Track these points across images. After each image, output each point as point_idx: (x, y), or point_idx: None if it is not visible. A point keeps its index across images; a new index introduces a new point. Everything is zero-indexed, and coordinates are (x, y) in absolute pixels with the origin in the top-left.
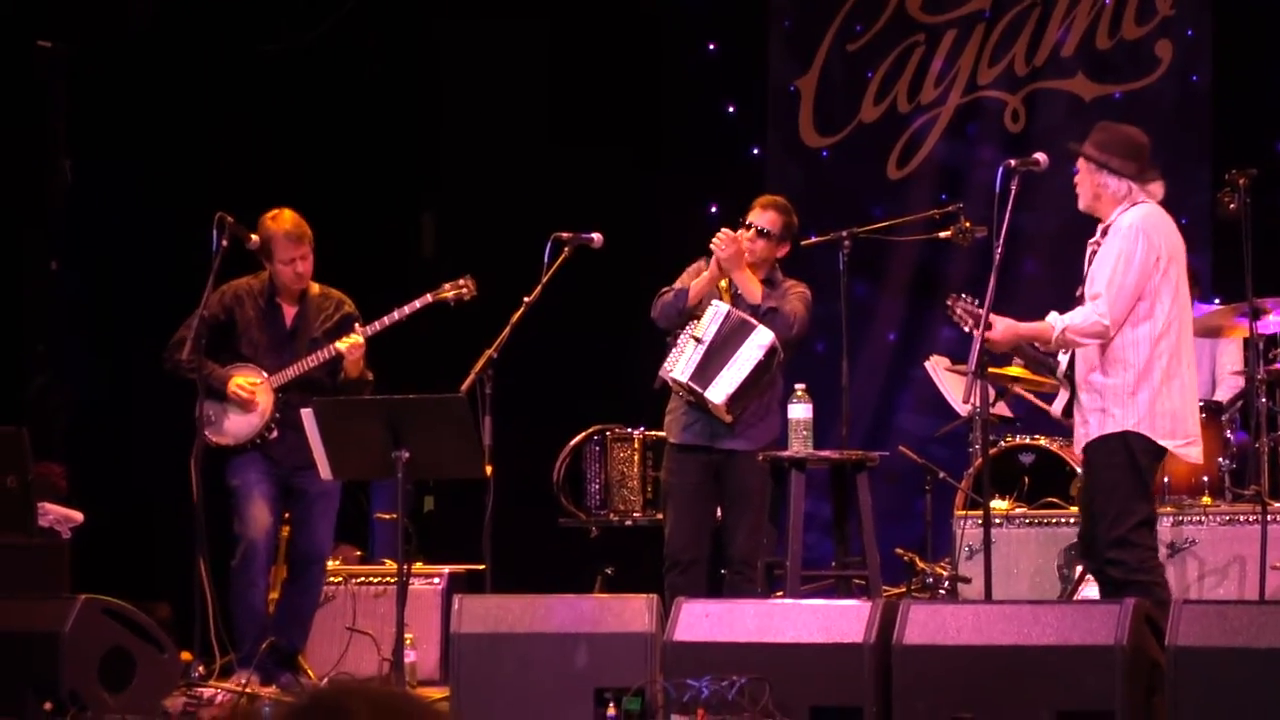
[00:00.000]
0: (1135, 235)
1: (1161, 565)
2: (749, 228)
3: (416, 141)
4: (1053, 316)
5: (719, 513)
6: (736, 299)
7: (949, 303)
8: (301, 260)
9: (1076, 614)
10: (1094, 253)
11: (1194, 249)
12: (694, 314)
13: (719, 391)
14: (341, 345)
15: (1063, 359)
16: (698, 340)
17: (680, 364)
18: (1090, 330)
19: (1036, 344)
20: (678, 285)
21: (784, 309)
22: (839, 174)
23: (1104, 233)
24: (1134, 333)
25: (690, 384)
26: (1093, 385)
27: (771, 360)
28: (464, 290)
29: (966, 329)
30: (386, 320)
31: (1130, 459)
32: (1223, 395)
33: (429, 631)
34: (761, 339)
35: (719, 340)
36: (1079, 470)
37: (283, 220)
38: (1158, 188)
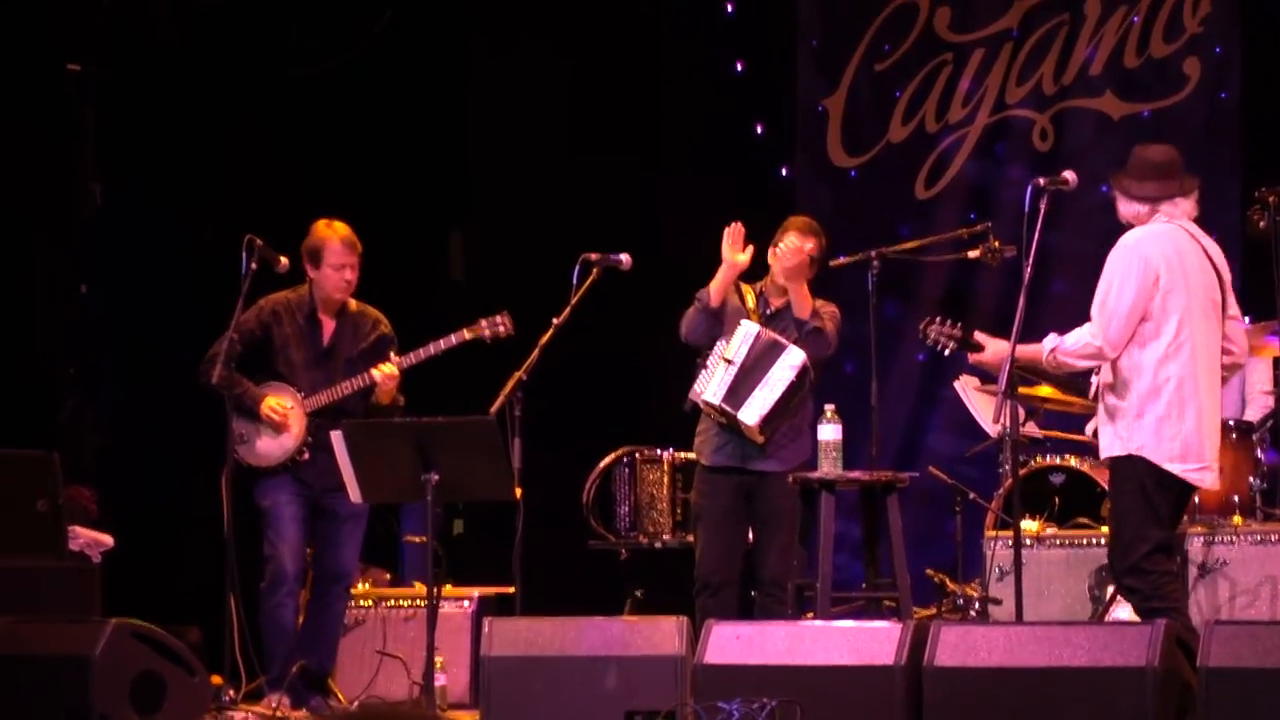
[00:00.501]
0: (1129, 255)
1: (1179, 589)
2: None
3: (445, 163)
4: (1051, 338)
5: (750, 535)
6: (769, 319)
7: (922, 326)
8: (351, 269)
9: (1108, 635)
10: None
11: None
12: (722, 333)
13: (752, 413)
14: (377, 374)
15: (1095, 380)
16: (728, 362)
17: (711, 386)
18: (1080, 352)
19: (1030, 365)
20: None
21: (826, 330)
22: (867, 194)
23: None
24: (1140, 354)
25: (722, 405)
26: (1106, 405)
27: (803, 380)
28: (500, 328)
29: (946, 352)
30: (422, 353)
31: (1139, 483)
32: (1253, 415)
33: (459, 655)
34: (793, 359)
35: (750, 361)
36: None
37: (338, 227)
38: (1188, 204)
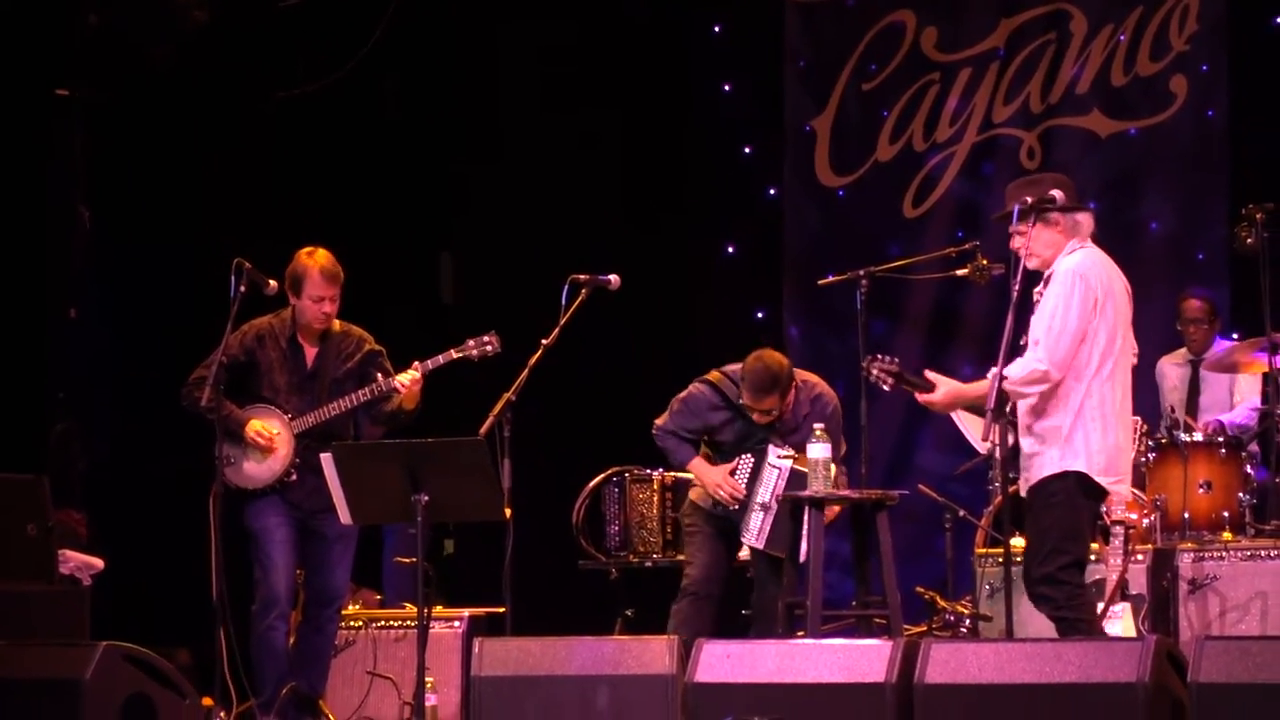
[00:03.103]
0: (1073, 280)
1: (1091, 602)
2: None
3: (434, 185)
4: (993, 372)
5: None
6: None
7: (864, 365)
8: (330, 301)
9: (1099, 651)
10: (1038, 301)
11: (1212, 283)
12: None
13: (799, 551)
14: (403, 380)
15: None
16: (764, 507)
17: (751, 530)
18: (1029, 378)
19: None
20: (675, 428)
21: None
22: (855, 213)
23: (1046, 281)
24: (1071, 376)
25: (768, 551)
26: (1035, 429)
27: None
28: (489, 347)
29: (886, 388)
30: (442, 359)
31: (1069, 498)
32: (1238, 416)
33: (450, 675)
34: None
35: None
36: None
37: (319, 257)
38: (1086, 218)
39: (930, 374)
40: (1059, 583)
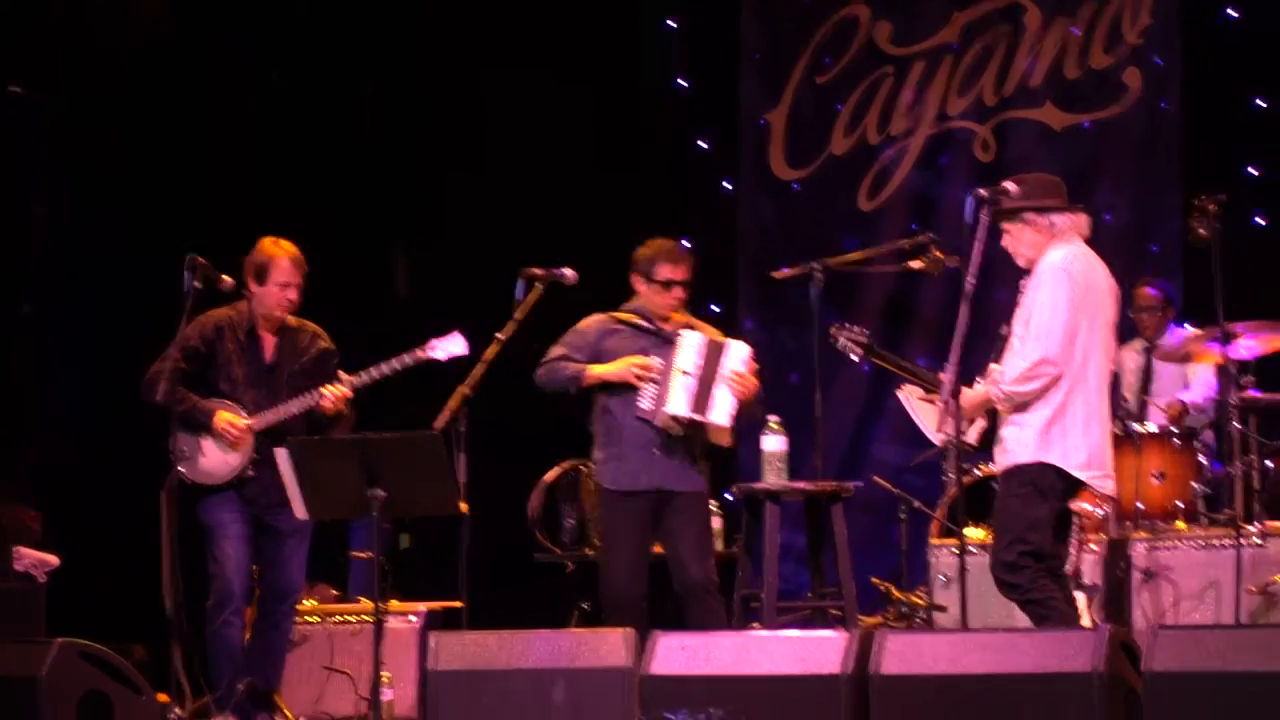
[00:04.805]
0: (1059, 274)
1: (1054, 585)
2: (670, 285)
3: (389, 180)
4: (988, 380)
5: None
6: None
7: (831, 331)
8: (295, 289)
9: (1053, 641)
10: (1022, 296)
11: (1166, 274)
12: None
13: (722, 414)
14: (328, 396)
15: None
16: (685, 373)
17: (673, 399)
18: (1029, 375)
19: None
20: (564, 353)
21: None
22: (810, 206)
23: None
24: None
25: (692, 416)
26: (1011, 416)
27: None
28: (454, 347)
29: (855, 358)
30: (375, 374)
31: (1036, 488)
32: (1197, 395)
33: (406, 670)
34: (742, 353)
35: (705, 368)
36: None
37: (286, 245)
38: (1083, 220)
39: (944, 376)
40: (1021, 569)
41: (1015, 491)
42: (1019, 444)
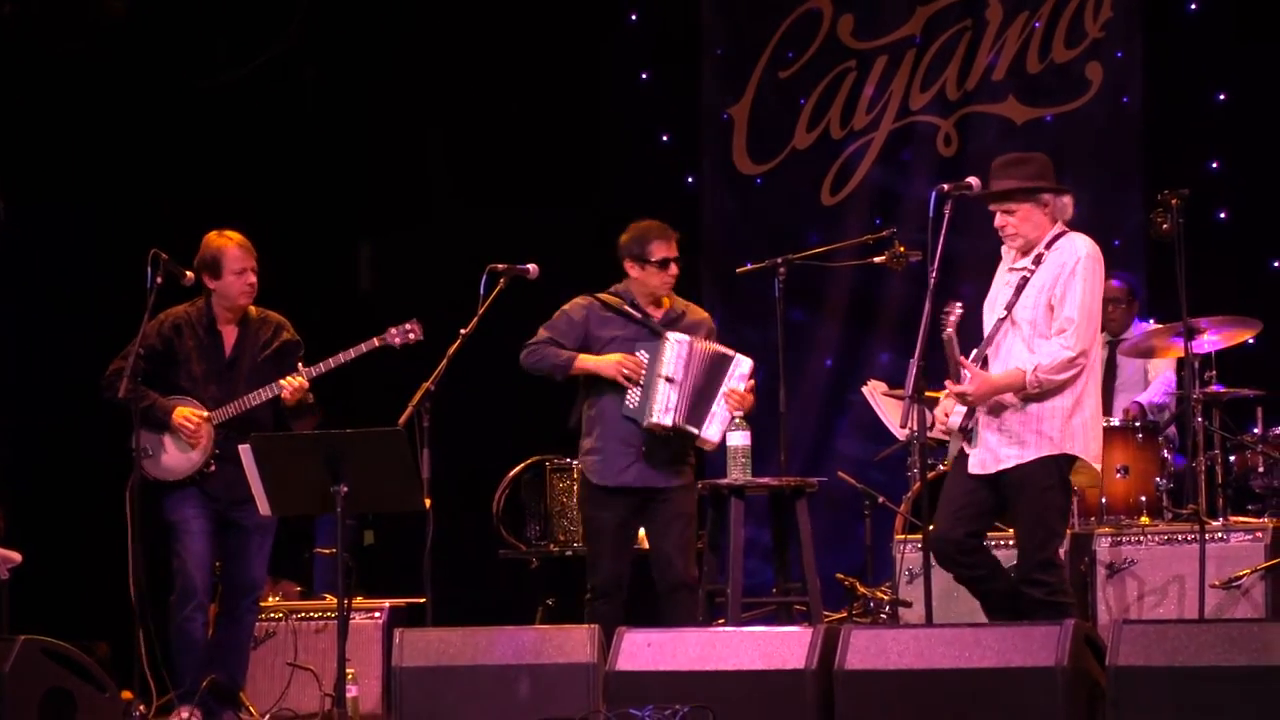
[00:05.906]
0: (1096, 270)
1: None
2: (666, 263)
3: (353, 174)
4: (1026, 364)
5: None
6: (665, 326)
7: (945, 311)
8: (251, 272)
9: (1017, 636)
10: (1025, 279)
11: (1128, 269)
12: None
13: (715, 430)
14: (286, 387)
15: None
16: (669, 380)
17: (657, 407)
18: (1060, 365)
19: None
20: (551, 337)
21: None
22: (773, 201)
23: (1036, 260)
24: None
25: (682, 426)
26: (1028, 409)
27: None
28: (410, 334)
29: (945, 337)
30: (331, 362)
31: (1062, 482)
32: (1155, 394)
33: (370, 666)
34: (744, 369)
35: (700, 376)
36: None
37: (230, 234)
38: (1069, 202)
39: (964, 361)
40: (1056, 567)
41: (1045, 484)
42: (1040, 436)
